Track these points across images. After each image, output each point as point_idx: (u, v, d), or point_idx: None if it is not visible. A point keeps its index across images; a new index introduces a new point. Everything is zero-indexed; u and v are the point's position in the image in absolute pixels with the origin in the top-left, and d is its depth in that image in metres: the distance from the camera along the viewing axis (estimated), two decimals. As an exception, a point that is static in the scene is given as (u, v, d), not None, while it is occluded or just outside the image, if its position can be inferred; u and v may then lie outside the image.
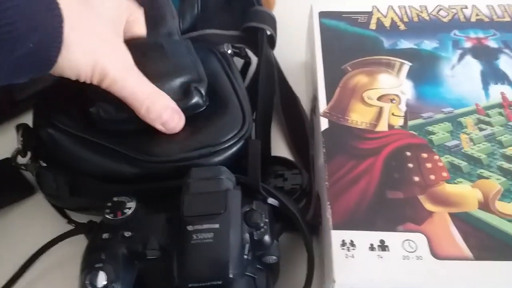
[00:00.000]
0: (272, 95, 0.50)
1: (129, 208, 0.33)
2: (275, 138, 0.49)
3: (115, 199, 0.33)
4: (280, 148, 0.49)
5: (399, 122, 0.40)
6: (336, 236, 0.33)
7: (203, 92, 0.39)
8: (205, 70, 0.40)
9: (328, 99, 0.41)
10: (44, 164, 0.39)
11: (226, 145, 0.37)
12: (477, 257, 0.32)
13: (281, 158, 0.44)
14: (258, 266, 0.33)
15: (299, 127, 0.48)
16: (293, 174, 0.42)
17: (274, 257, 0.33)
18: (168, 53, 0.39)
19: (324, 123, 0.39)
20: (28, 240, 0.40)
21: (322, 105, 0.41)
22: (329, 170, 0.36)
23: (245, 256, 0.31)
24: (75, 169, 0.37)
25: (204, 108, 0.39)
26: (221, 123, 0.38)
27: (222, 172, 0.34)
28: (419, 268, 0.31)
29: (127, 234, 0.32)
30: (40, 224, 0.43)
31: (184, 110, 0.38)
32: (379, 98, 0.42)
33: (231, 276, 0.29)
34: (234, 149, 0.37)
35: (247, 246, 0.32)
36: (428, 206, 0.34)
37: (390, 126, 0.39)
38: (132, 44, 0.36)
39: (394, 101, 0.41)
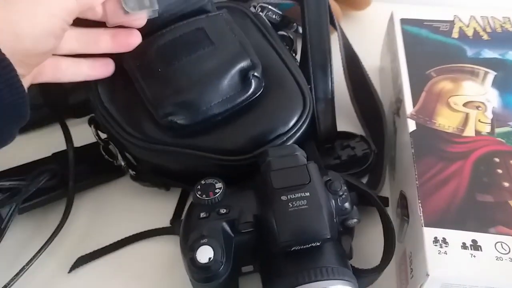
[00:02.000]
0: (326, 59, 0.44)
1: (220, 188, 0.35)
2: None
3: (203, 181, 0.36)
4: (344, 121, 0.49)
5: (486, 128, 0.40)
6: (429, 233, 0.34)
7: (259, 76, 0.39)
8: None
9: (414, 103, 0.42)
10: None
11: (295, 128, 0.39)
12: None
13: (341, 131, 0.46)
14: (341, 229, 0.36)
15: (370, 103, 0.49)
16: (357, 142, 0.46)
17: (355, 220, 0.36)
18: (214, 40, 0.39)
19: (412, 125, 0.41)
20: (119, 219, 0.43)
21: (409, 107, 0.42)
22: (418, 170, 0.37)
23: (334, 220, 0.34)
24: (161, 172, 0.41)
25: (261, 90, 0.39)
26: (284, 105, 0.39)
27: (296, 149, 0.37)
28: None
29: (223, 210, 0.34)
30: (128, 204, 0.46)
31: (245, 100, 0.38)
32: (465, 105, 0.42)
33: (328, 237, 0.32)
34: (303, 129, 0.39)
35: (334, 211, 0.34)
36: (519, 211, 0.35)
37: (477, 132, 0.40)
38: (161, 39, 0.38)
39: (480, 108, 0.42)
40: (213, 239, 0.32)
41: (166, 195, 0.45)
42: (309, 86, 0.43)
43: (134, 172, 0.43)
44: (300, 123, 0.39)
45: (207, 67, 0.38)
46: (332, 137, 0.46)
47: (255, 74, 0.39)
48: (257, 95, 0.39)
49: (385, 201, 0.43)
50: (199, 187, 0.35)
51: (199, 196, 0.35)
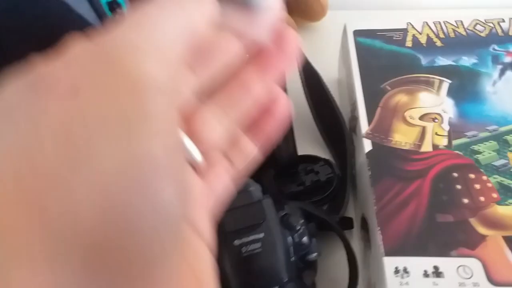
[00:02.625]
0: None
1: None
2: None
3: None
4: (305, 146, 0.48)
5: (443, 141, 0.39)
6: (389, 263, 0.32)
7: None
8: None
9: (370, 120, 0.41)
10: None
11: None
12: (535, 282, 0.31)
13: (305, 155, 0.45)
14: (301, 265, 0.34)
15: (334, 124, 0.48)
16: (320, 166, 0.45)
17: (315, 254, 0.35)
18: None
19: (367, 145, 0.39)
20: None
21: (364, 126, 0.41)
22: (376, 193, 0.36)
23: (292, 258, 0.33)
24: None
25: None
26: None
27: (249, 184, 0.35)
28: (475, 294, 0.31)
29: None
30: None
31: None
32: (421, 118, 0.41)
33: (285, 280, 0.31)
34: None
35: (291, 249, 0.33)
36: (481, 229, 0.34)
37: (435, 146, 0.39)
38: None
39: (437, 120, 0.41)
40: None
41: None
42: None
43: None
44: None
45: None
46: (293, 162, 0.45)
47: None
48: None
49: (348, 222, 0.42)
50: None
51: None
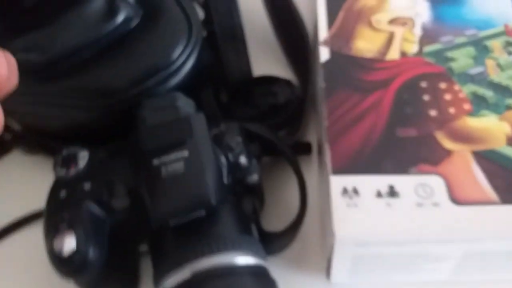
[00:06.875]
0: None
1: (83, 158, 0.29)
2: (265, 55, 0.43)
3: (64, 152, 0.29)
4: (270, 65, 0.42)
5: (412, 48, 0.34)
6: (336, 183, 0.28)
7: (131, 1, 0.33)
8: None
9: (330, 25, 0.35)
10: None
11: (179, 62, 0.32)
12: (504, 200, 0.27)
13: (262, 76, 0.39)
14: (240, 189, 0.30)
15: (295, 38, 0.41)
16: (280, 87, 0.39)
17: (255, 176, 0.30)
18: None
19: (324, 53, 0.34)
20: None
21: (322, 33, 0.35)
22: (329, 107, 0.31)
23: (224, 180, 0.28)
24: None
25: (137, 22, 0.33)
26: (164, 36, 0.33)
27: (178, 98, 0.30)
28: (435, 216, 0.27)
29: (87, 186, 0.28)
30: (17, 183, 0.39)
31: (114, 31, 0.32)
32: (390, 22, 0.35)
33: (213, 202, 0.27)
34: (190, 64, 0.33)
35: (224, 170, 0.29)
36: (447, 144, 0.29)
37: (403, 54, 0.34)
38: None
39: (407, 25, 0.35)
40: (76, 224, 0.27)
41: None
42: (211, 24, 0.36)
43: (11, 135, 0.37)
44: (185, 55, 0.32)
45: None
46: (248, 82, 0.39)
47: None
48: (131, 26, 0.33)
49: (305, 147, 0.37)
50: (59, 158, 0.29)
51: (59, 171, 0.29)
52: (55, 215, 0.27)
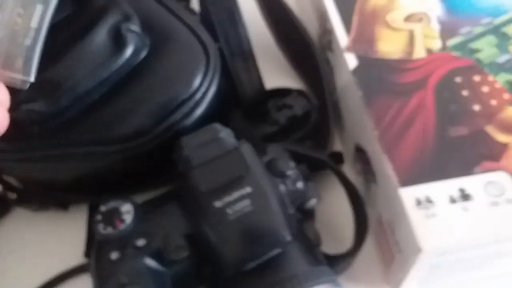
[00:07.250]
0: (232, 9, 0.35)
1: (128, 212, 0.26)
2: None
3: (102, 208, 0.26)
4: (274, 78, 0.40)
5: (436, 44, 0.33)
6: (407, 195, 0.27)
7: (138, 30, 0.29)
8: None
9: (348, 30, 0.34)
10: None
11: (203, 90, 0.30)
12: None
13: (273, 89, 0.37)
14: (300, 216, 0.28)
15: (301, 45, 0.39)
16: (294, 98, 0.37)
17: (314, 200, 0.28)
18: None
19: (351, 60, 0.33)
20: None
21: (342, 39, 0.34)
22: (374, 116, 0.30)
23: (290, 211, 0.26)
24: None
25: (146, 52, 0.30)
26: (181, 64, 0.30)
27: (218, 130, 0.28)
28: None
29: (141, 242, 0.25)
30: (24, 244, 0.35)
31: (123, 66, 0.29)
32: (406, 19, 0.35)
33: (288, 239, 0.25)
34: (213, 90, 0.30)
35: (286, 199, 0.27)
36: (500, 137, 0.29)
37: (428, 51, 0.33)
38: None
39: (423, 20, 0.35)
40: (137, 285, 0.23)
41: (68, 217, 0.34)
42: (218, 45, 0.33)
43: (16, 195, 0.33)
44: (207, 82, 0.30)
45: (64, 34, 0.28)
46: (262, 98, 0.37)
47: (131, 28, 0.29)
48: (142, 56, 0.30)
49: (338, 158, 0.35)
50: (99, 216, 0.26)
51: (103, 230, 0.25)
52: (113, 279, 0.24)
